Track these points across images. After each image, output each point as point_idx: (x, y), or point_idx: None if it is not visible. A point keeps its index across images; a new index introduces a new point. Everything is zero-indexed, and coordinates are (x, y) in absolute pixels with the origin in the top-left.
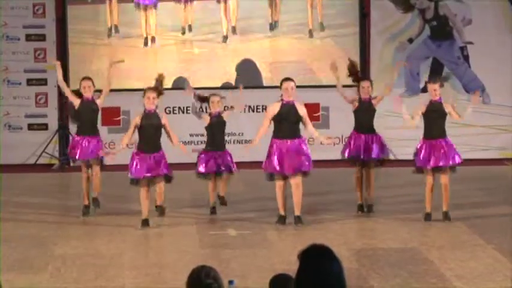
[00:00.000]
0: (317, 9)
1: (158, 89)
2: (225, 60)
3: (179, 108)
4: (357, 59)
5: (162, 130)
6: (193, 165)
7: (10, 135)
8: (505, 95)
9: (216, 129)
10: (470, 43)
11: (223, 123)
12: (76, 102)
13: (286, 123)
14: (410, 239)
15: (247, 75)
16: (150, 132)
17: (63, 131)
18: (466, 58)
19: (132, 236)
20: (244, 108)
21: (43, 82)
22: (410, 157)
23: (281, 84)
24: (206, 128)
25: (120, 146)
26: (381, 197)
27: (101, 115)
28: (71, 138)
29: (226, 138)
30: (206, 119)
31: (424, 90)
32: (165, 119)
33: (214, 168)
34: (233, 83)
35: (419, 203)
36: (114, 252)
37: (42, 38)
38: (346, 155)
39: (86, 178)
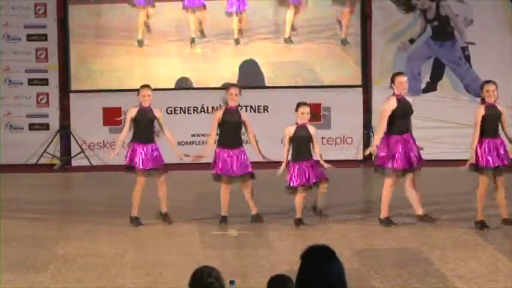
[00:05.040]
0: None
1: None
2: (228, 60)
3: (181, 108)
4: (358, 59)
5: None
6: (194, 165)
7: (11, 135)
8: (506, 95)
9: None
10: (472, 43)
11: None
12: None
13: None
14: (411, 239)
15: (250, 75)
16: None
17: (64, 131)
18: (468, 58)
19: (134, 236)
20: (246, 108)
21: (44, 82)
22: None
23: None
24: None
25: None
26: None
27: (102, 115)
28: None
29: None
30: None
31: (426, 90)
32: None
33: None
34: (235, 83)
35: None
36: (116, 252)
37: (43, 38)
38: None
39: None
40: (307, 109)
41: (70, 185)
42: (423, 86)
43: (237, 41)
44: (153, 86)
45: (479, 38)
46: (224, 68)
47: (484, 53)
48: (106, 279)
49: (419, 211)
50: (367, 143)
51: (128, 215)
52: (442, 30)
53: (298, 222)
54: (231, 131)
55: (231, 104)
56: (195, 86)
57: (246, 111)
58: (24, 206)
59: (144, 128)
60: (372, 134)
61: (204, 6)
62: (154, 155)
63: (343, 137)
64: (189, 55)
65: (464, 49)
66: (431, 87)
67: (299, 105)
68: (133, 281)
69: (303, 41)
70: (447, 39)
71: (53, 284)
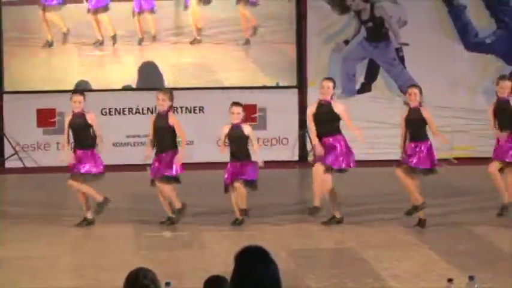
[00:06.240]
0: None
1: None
2: (127, 63)
3: (116, 109)
4: (293, 60)
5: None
6: (131, 167)
7: None
8: (440, 96)
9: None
10: (406, 44)
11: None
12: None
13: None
14: (346, 239)
15: (149, 77)
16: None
17: None
18: (402, 59)
19: (70, 239)
20: (182, 109)
21: None
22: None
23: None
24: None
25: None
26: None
27: (36, 117)
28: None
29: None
30: (225, 129)
31: (360, 91)
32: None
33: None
34: (134, 85)
35: (354, 203)
36: (51, 254)
37: None
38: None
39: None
40: (238, 109)
41: (3, 187)
42: (358, 87)
43: (140, 42)
44: (54, 88)
45: (413, 39)
46: (123, 70)
47: (418, 54)
48: (40, 282)
49: (335, 212)
50: (302, 143)
51: (62, 218)
52: (377, 31)
53: (235, 222)
54: (159, 136)
55: (159, 108)
56: (93, 88)
57: (182, 112)
58: None
59: (78, 133)
60: (307, 135)
61: (107, 7)
62: (88, 160)
63: (279, 138)
64: (87, 57)
65: (398, 50)
66: (366, 88)
67: (231, 105)
68: (68, 282)
69: (209, 42)
70: (381, 40)
71: None
